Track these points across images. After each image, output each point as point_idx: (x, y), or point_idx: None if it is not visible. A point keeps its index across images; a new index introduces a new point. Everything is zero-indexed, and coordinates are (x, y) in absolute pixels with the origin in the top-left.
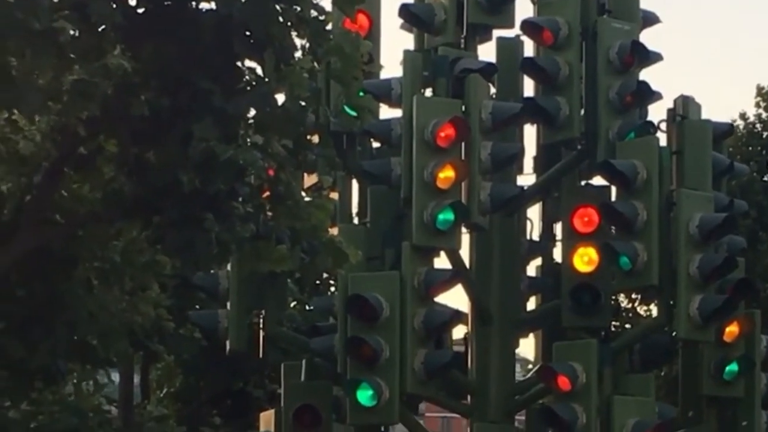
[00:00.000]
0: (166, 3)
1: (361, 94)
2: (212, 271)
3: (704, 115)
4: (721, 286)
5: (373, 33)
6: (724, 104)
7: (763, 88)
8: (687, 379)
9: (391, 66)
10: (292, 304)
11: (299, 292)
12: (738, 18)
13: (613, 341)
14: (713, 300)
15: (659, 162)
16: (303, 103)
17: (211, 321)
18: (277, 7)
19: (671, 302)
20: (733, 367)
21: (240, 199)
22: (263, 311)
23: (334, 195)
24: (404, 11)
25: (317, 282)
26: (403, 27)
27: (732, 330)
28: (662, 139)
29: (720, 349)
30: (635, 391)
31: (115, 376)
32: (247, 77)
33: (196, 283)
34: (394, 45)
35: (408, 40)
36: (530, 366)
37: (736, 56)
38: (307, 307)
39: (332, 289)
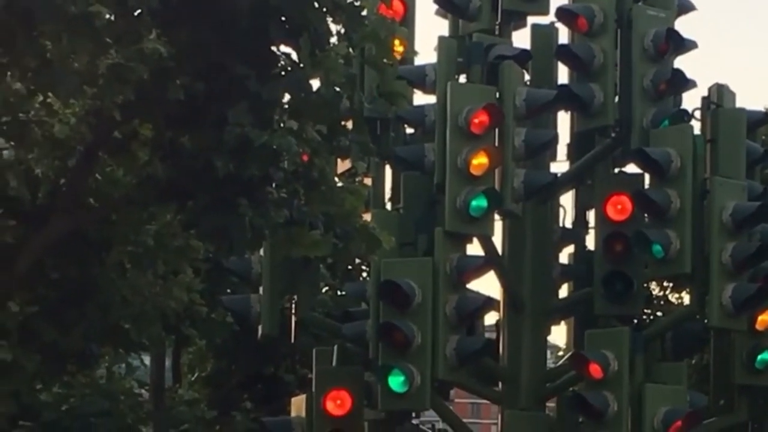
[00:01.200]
0: None
1: (397, 79)
2: (245, 256)
3: (739, 104)
4: (754, 274)
5: (408, 19)
6: (760, 92)
7: None
8: (719, 368)
9: (425, 52)
10: (324, 290)
11: (331, 277)
12: None
13: (645, 329)
14: (746, 288)
15: (693, 150)
16: (338, 89)
17: (244, 306)
18: None
19: (704, 290)
20: (765, 356)
21: (274, 184)
22: (295, 296)
23: (368, 181)
24: None
25: (349, 267)
26: (437, 13)
27: (764, 318)
28: (696, 127)
29: (752, 338)
30: (667, 380)
31: (147, 360)
32: (282, 62)
33: (229, 267)
34: (429, 31)
35: (443, 27)
36: (561, 353)
37: None
38: (339, 293)
39: (364, 274)
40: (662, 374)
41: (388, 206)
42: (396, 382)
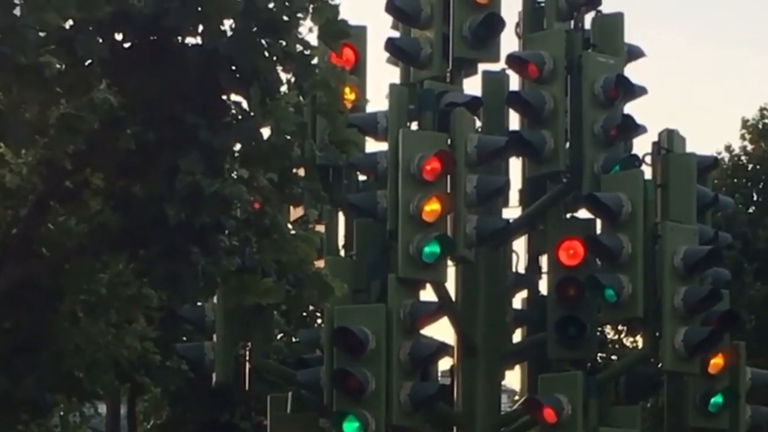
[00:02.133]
0: (151, 38)
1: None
2: (198, 304)
3: (689, 149)
4: (706, 318)
5: (359, 67)
6: (710, 137)
7: (747, 121)
8: (672, 411)
9: (377, 100)
10: (278, 337)
11: (286, 324)
12: (722, 51)
13: (598, 373)
14: (698, 332)
15: (644, 195)
16: (289, 137)
17: (198, 353)
18: (263, 41)
19: (656, 334)
20: (717, 399)
21: (226, 232)
22: (249, 343)
23: (321, 228)
24: (390, 45)
25: (304, 314)
26: (389, 61)
27: (717, 362)
28: (647, 172)
29: (705, 381)
30: (621, 423)
31: (102, 409)
32: (232, 111)
33: (183, 315)
34: (381, 79)
35: (394, 74)
36: (517, 397)
37: (721, 90)
38: (293, 339)
39: (319, 321)
40: (616, 418)
41: (342, 253)
42: (351, 428)
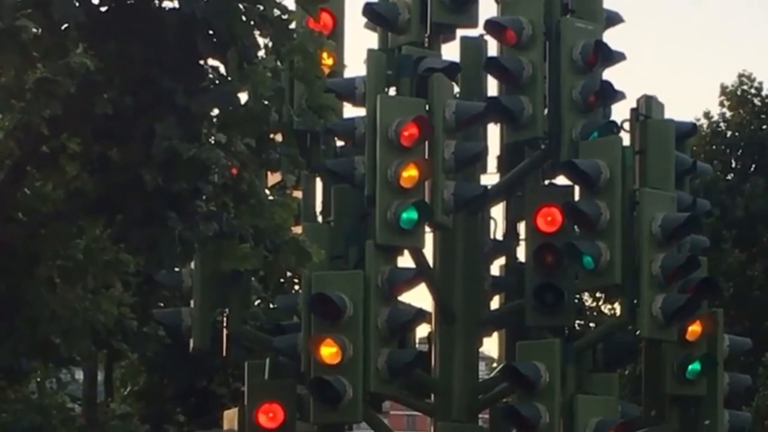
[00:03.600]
0: (128, 2)
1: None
2: (176, 270)
3: (668, 115)
4: (684, 285)
5: (337, 32)
6: (689, 103)
7: (726, 88)
8: (650, 378)
9: (355, 65)
10: (256, 303)
11: (263, 290)
12: (702, 18)
13: (576, 340)
14: (676, 299)
15: (622, 161)
16: (266, 102)
17: (175, 319)
18: (240, 6)
19: (634, 301)
20: (695, 366)
21: (203, 197)
22: (227, 309)
23: (298, 193)
24: (368, 10)
25: (281, 280)
26: (367, 26)
27: (694, 329)
28: (625, 138)
29: (683, 348)
30: (599, 390)
31: (79, 375)
32: (210, 76)
33: (160, 281)
34: (358, 44)
35: (372, 39)
36: (495, 364)
37: (700, 56)
38: (271, 306)
39: (297, 287)
40: (594, 385)
41: (319, 219)
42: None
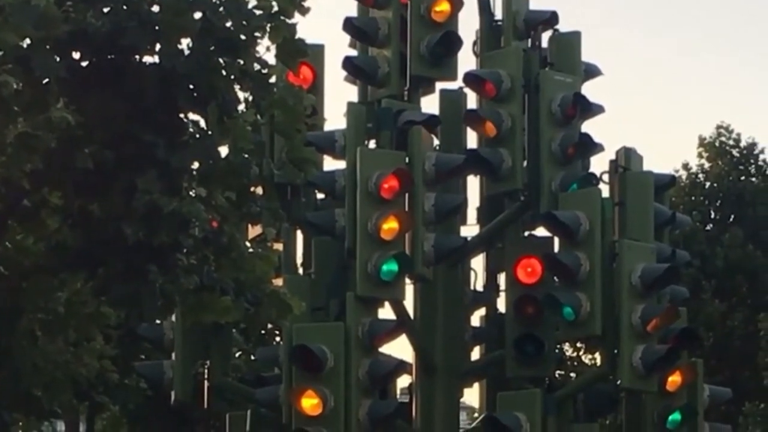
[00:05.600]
0: (109, 56)
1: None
2: (157, 322)
3: (646, 167)
4: (664, 335)
5: (317, 85)
6: (667, 154)
7: (705, 139)
8: (631, 429)
9: (334, 118)
10: (237, 354)
11: (244, 342)
12: (680, 70)
13: (557, 390)
14: (656, 350)
15: (602, 213)
16: (246, 156)
17: (157, 372)
18: (221, 60)
19: (615, 352)
20: (675, 417)
21: (184, 251)
22: (208, 362)
23: (279, 246)
24: (348, 64)
25: (262, 332)
26: (346, 79)
27: (674, 379)
28: (605, 190)
29: (663, 399)
30: None
31: (61, 427)
32: (190, 130)
33: (141, 334)
34: (338, 97)
35: (352, 93)
36: (476, 414)
37: (678, 107)
38: (252, 357)
39: (278, 339)
40: None
41: (300, 271)
42: None
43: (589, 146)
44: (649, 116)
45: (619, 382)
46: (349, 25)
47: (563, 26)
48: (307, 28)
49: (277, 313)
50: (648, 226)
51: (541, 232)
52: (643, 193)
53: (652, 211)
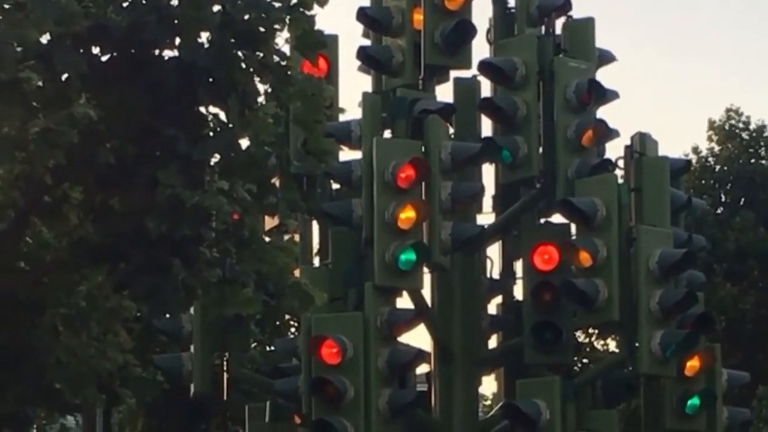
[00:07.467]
0: (129, 51)
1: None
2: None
3: (660, 151)
4: (682, 320)
5: (332, 75)
6: (677, 138)
7: (714, 122)
8: (649, 414)
9: (350, 108)
10: (253, 346)
11: (260, 333)
12: (688, 53)
13: (574, 377)
14: (674, 335)
15: (618, 199)
16: (267, 148)
17: (176, 364)
18: (240, 53)
19: (632, 338)
20: (694, 401)
21: (206, 243)
22: (226, 353)
23: (295, 237)
24: (362, 53)
25: (277, 323)
26: (361, 69)
27: (693, 364)
28: (620, 176)
29: (681, 384)
30: (599, 427)
31: (78, 419)
32: (211, 123)
33: (160, 327)
34: (353, 87)
35: (366, 82)
36: (488, 402)
37: (687, 91)
38: (267, 348)
39: (293, 329)
40: (594, 422)
41: (316, 261)
42: None
43: (605, 132)
44: (658, 101)
45: (637, 368)
46: (362, 14)
47: (576, 12)
48: (320, 18)
49: (300, 305)
50: (664, 211)
51: (557, 218)
52: (659, 179)
53: (668, 196)
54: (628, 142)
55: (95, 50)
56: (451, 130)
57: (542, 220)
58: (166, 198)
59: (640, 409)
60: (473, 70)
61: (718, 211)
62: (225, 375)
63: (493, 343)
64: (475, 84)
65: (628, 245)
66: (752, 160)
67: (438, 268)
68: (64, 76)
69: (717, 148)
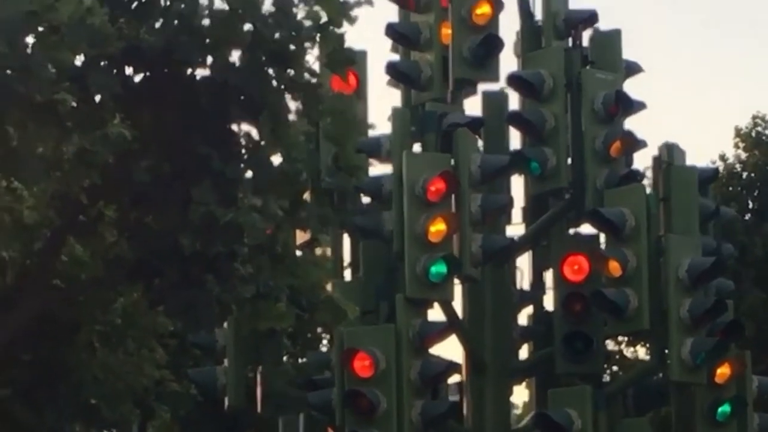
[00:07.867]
0: (162, 71)
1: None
2: None
3: (688, 160)
4: (712, 328)
5: (361, 91)
6: (704, 146)
7: (741, 129)
8: (680, 422)
9: (379, 123)
10: (284, 358)
11: (292, 346)
12: (714, 60)
13: (605, 386)
14: (705, 342)
15: (647, 209)
16: (299, 164)
17: (210, 378)
18: (271, 71)
19: (663, 346)
20: (725, 408)
21: (239, 259)
22: (260, 367)
23: (327, 251)
24: (391, 68)
25: (308, 336)
26: (389, 84)
27: (723, 371)
28: (648, 186)
29: (712, 391)
30: None
31: None
32: (243, 140)
33: (194, 341)
34: (382, 102)
35: (395, 97)
36: (518, 411)
37: (713, 98)
38: (299, 361)
39: (324, 341)
40: (625, 430)
41: (348, 275)
42: None
43: (633, 143)
44: (685, 109)
45: (668, 376)
46: (391, 30)
47: (602, 24)
48: (349, 34)
49: (333, 319)
50: (693, 220)
51: (586, 229)
52: (688, 188)
53: (697, 205)
54: (656, 152)
55: (129, 71)
56: (480, 143)
57: (571, 231)
58: (199, 215)
59: (671, 417)
60: (501, 84)
61: (746, 218)
62: (259, 388)
63: (524, 353)
64: (503, 97)
65: (658, 254)
66: None
67: (469, 279)
68: (98, 97)
69: (744, 155)
